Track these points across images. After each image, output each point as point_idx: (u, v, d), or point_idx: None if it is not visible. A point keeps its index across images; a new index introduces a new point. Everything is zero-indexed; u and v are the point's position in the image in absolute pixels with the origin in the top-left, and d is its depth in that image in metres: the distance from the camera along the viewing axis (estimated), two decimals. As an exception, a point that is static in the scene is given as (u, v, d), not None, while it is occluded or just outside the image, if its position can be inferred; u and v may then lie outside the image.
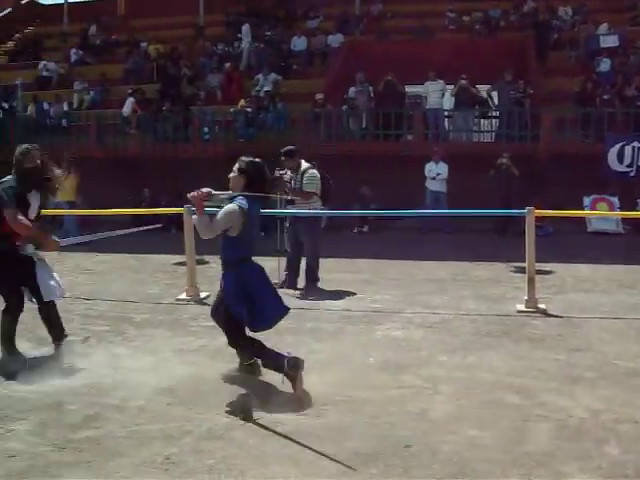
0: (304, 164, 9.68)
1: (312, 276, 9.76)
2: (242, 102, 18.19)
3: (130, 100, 18.94)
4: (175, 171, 17.23)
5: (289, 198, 9.40)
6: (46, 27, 27.17)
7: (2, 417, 4.93)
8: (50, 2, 30.28)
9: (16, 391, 5.37)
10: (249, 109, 18.07)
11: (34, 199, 6.25)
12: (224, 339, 6.95)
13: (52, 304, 6.38)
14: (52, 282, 6.31)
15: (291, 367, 5.27)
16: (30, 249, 6.20)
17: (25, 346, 6.47)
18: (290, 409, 5.01)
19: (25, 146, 6.30)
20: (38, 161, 6.21)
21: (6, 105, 20.96)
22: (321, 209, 9.83)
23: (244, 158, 5.56)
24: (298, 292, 9.51)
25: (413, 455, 4.28)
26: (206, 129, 18.32)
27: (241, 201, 5.34)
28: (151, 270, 11.51)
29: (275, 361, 5.38)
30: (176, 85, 20.01)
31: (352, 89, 18.22)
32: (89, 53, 23.95)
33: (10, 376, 5.73)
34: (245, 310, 5.36)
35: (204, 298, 9.00)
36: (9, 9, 28.87)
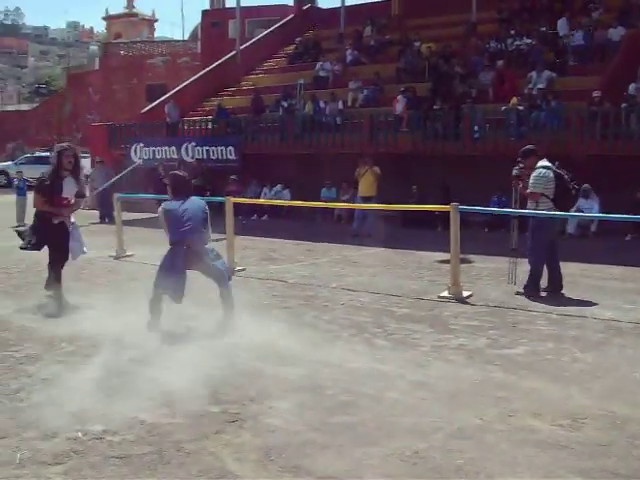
0: (540, 163, 9.23)
1: (530, 280, 9.28)
2: (514, 100, 17.80)
3: (401, 98, 19.28)
4: (444, 169, 17.31)
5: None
6: (324, 30, 28.51)
7: (266, 395, 5.28)
8: (329, 6, 31.68)
9: (280, 372, 5.70)
10: (521, 107, 17.64)
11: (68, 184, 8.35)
12: (484, 340, 6.93)
13: None
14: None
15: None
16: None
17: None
18: (546, 418, 4.86)
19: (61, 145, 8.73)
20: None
21: (285, 104, 22.26)
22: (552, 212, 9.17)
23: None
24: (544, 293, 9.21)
25: (679, 483, 3.96)
26: (476, 127, 18.14)
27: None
28: (415, 266, 11.66)
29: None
30: (448, 83, 20.03)
31: (632, 85, 17.06)
32: (364, 53, 24.74)
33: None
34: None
35: (466, 297, 8.96)
36: (291, 15, 30.69)
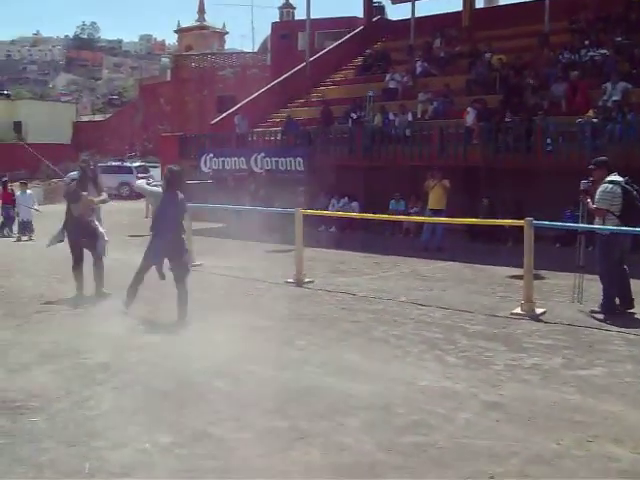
0: (608, 178, 8.82)
1: (605, 299, 8.92)
2: (590, 113, 17.36)
3: (471, 110, 19.02)
4: (514, 182, 16.99)
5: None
6: (394, 42, 28.40)
7: (335, 411, 5.18)
8: (398, 18, 31.58)
9: (350, 388, 5.60)
10: (595, 120, 17.19)
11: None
12: (559, 360, 6.70)
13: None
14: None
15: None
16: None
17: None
18: (628, 445, 4.63)
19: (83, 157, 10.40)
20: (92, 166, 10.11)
21: (354, 115, 22.19)
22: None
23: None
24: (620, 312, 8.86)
25: None
26: (549, 140, 17.75)
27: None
28: (486, 281, 11.39)
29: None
30: (519, 95, 19.68)
31: None
32: (433, 65, 24.53)
33: None
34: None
35: (540, 314, 8.69)
36: (361, 27, 30.67)
